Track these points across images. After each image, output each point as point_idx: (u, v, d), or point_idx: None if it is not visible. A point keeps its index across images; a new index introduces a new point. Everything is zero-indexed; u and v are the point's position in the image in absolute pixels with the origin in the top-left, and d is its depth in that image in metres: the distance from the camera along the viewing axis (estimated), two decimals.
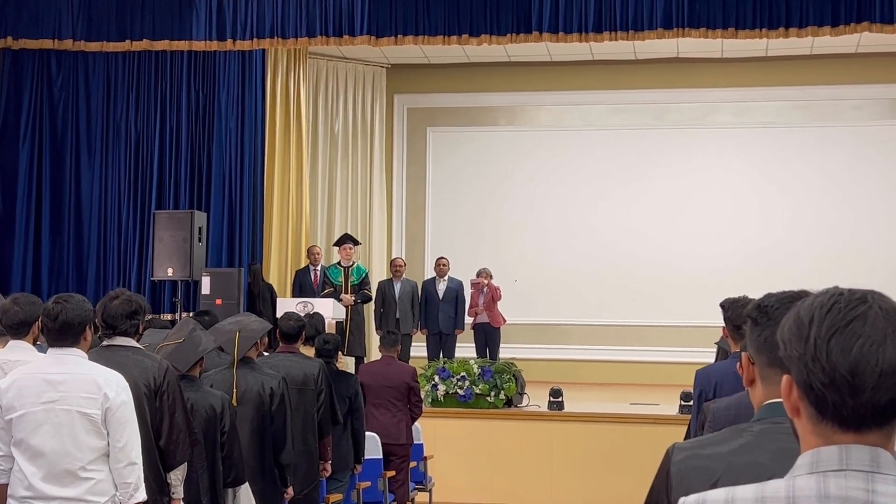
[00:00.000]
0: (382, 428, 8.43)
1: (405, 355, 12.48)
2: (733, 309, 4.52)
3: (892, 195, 14.58)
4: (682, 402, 10.49)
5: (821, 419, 1.44)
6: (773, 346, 1.66)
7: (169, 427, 4.68)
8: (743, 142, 14.92)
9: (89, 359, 4.37)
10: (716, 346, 7.29)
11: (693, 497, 1.54)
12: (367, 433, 7.93)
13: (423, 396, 10.17)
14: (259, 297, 12.69)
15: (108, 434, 4.24)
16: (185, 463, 4.79)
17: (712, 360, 7.09)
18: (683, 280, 14.67)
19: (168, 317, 12.49)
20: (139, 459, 4.30)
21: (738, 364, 2.25)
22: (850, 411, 1.41)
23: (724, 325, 4.79)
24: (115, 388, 4.25)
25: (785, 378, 1.48)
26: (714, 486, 1.94)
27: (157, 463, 4.66)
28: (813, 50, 13.91)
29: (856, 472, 1.41)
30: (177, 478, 4.78)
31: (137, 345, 4.85)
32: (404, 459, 8.63)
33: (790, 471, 1.47)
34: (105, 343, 4.75)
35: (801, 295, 1.64)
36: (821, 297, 1.47)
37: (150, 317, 9.80)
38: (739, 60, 14.51)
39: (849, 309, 1.43)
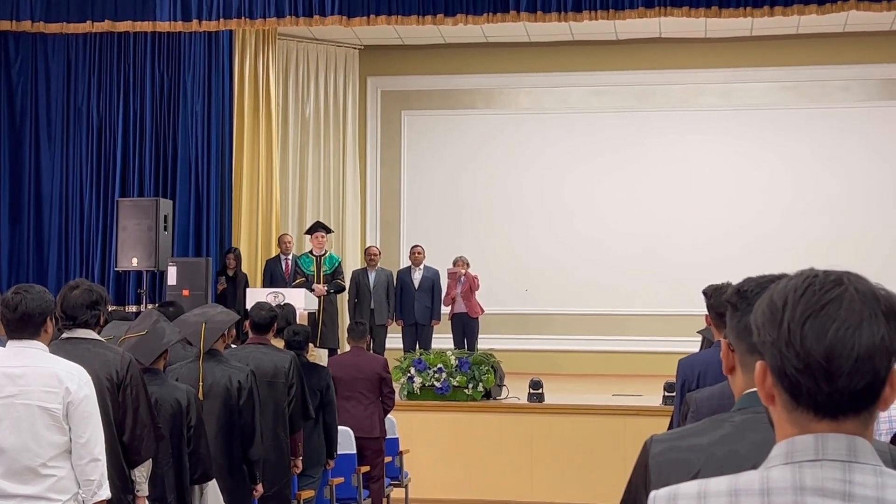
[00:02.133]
0: (355, 421, 8.33)
1: (380, 347, 12.54)
2: (716, 296, 4.43)
3: (881, 177, 14.53)
4: (666, 393, 10.43)
5: (795, 406, 1.42)
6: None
7: (132, 422, 4.62)
8: (729, 124, 14.85)
9: (50, 352, 4.32)
10: (699, 335, 7.08)
11: (665, 490, 1.52)
12: (339, 427, 7.84)
13: (398, 389, 10.30)
14: (239, 284, 12.40)
15: (69, 429, 4.18)
16: (150, 459, 4.77)
17: (696, 350, 6.95)
18: (666, 267, 14.61)
19: (133, 308, 12.36)
20: (103, 456, 4.24)
21: (721, 352, 2.19)
22: (825, 398, 1.39)
23: (706, 313, 4.70)
24: (76, 381, 4.18)
25: (759, 364, 1.46)
26: (694, 478, 1.81)
27: (120, 459, 4.60)
28: (799, 29, 13.86)
29: (832, 461, 1.39)
30: (141, 475, 4.74)
31: (99, 337, 4.79)
32: (378, 454, 8.54)
33: (765, 462, 1.45)
34: (65, 335, 4.70)
35: (781, 278, 1.54)
36: (795, 279, 1.44)
37: (111, 308, 9.50)
38: (724, 41, 14.44)
39: (823, 292, 1.40)
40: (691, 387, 4.76)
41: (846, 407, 1.40)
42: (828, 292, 1.40)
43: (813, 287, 1.41)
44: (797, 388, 1.41)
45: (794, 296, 1.42)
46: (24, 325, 4.19)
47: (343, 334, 13.22)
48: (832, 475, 1.39)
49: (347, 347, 13.00)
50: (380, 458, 8.52)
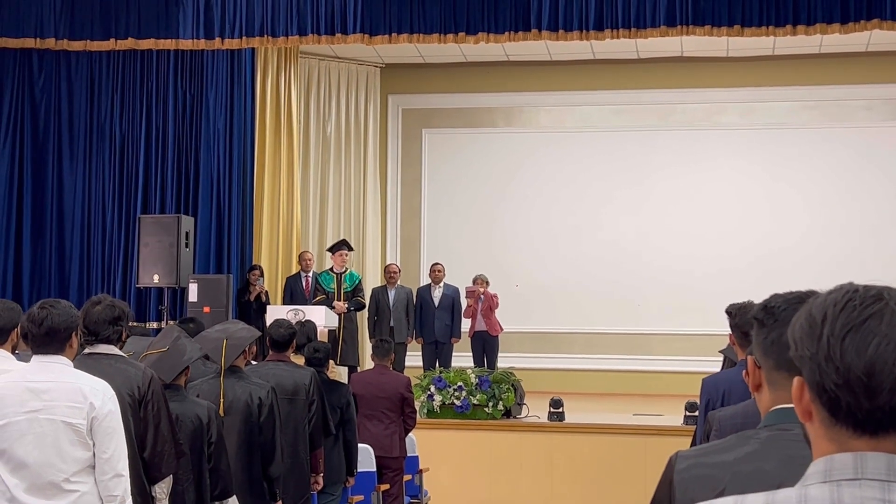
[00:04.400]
0: (374, 440, 8.31)
1: (400, 365, 12.45)
2: (740, 315, 4.45)
3: None
4: (687, 413, 10.44)
5: (834, 423, 1.39)
6: (781, 348, 1.64)
7: (154, 438, 4.61)
8: (750, 143, 14.79)
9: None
10: (721, 354, 7.03)
11: None
12: (360, 445, 7.82)
13: (418, 407, 10.16)
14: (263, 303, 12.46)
15: (93, 445, 4.16)
16: (171, 475, 4.74)
17: (717, 370, 6.87)
18: (688, 286, 14.55)
19: (154, 325, 12.33)
20: (126, 471, 4.22)
21: (745, 370, 2.19)
22: (865, 414, 1.36)
23: (730, 332, 4.70)
24: (101, 397, 4.17)
25: (796, 380, 1.43)
26: (719, 496, 1.85)
27: (141, 475, 4.57)
28: (821, 49, 13.82)
29: (871, 480, 1.35)
30: (162, 491, 4.71)
31: (120, 353, 4.78)
32: (398, 472, 8.51)
33: (802, 479, 1.41)
34: (87, 351, 4.66)
35: (809, 295, 1.55)
36: (834, 293, 1.41)
37: (132, 324, 9.53)
38: (746, 59, 14.39)
39: (864, 307, 1.37)
40: (715, 406, 4.71)
41: (886, 424, 1.36)
42: (868, 307, 1.37)
43: (853, 302, 1.38)
44: (836, 403, 1.37)
45: (833, 310, 1.38)
46: (49, 340, 4.17)
47: (363, 352, 13.30)
48: (871, 495, 1.35)
49: (367, 365, 13.06)
50: (399, 476, 8.48)
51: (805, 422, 1.45)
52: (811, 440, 1.45)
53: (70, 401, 4.14)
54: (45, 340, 4.18)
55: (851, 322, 1.36)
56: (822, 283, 1.48)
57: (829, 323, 1.38)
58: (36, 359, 4.22)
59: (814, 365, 1.39)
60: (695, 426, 6.36)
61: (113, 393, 4.24)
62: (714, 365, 8.51)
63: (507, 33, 12.38)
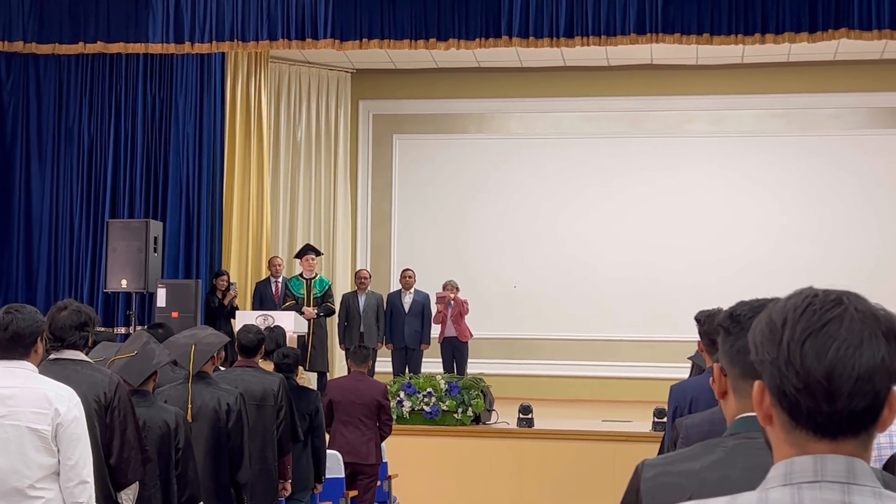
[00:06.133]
0: (350, 447, 8.30)
1: (370, 371, 12.23)
2: (708, 322, 4.49)
3: (871, 205, 14.53)
4: (656, 419, 10.45)
5: (794, 426, 1.41)
6: (746, 356, 1.58)
7: (120, 444, 4.59)
8: (720, 151, 14.85)
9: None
10: (689, 361, 7.05)
11: None
12: (329, 451, 7.83)
13: None
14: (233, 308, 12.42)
15: (58, 451, 4.14)
16: (137, 482, 4.74)
17: (686, 376, 6.88)
18: (657, 293, 14.58)
19: (122, 330, 12.26)
20: (91, 478, 4.20)
21: (712, 378, 2.20)
22: (825, 418, 1.38)
23: (699, 339, 4.72)
24: (66, 403, 4.15)
25: (757, 384, 1.45)
26: None
27: (107, 482, 4.56)
28: (790, 57, 13.87)
29: (831, 483, 1.38)
30: (128, 497, 4.70)
31: (87, 358, 4.77)
32: (373, 479, 8.50)
33: (763, 482, 1.43)
34: (53, 356, 4.64)
35: (774, 301, 1.54)
36: (794, 298, 1.43)
37: (100, 329, 9.45)
38: (715, 68, 14.42)
39: (824, 311, 1.39)
40: (683, 413, 4.73)
41: (846, 427, 1.39)
42: (828, 311, 1.39)
43: (813, 306, 1.40)
44: (796, 407, 1.39)
45: (794, 315, 1.40)
46: (14, 346, 4.16)
47: (333, 358, 13.26)
48: (831, 497, 1.37)
49: (337, 371, 13.06)
50: (373, 483, 8.46)
51: (766, 426, 1.46)
52: (772, 444, 1.46)
53: (35, 407, 4.11)
54: (9, 346, 4.16)
55: (811, 327, 1.38)
56: (791, 290, 1.48)
57: (790, 327, 1.40)
58: (0, 364, 4.20)
59: (774, 369, 1.40)
60: (663, 433, 6.37)
61: (78, 399, 4.22)
62: (682, 371, 8.52)
63: (477, 40, 12.41)
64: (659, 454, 5.37)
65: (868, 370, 1.36)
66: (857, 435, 1.40)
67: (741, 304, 2.14)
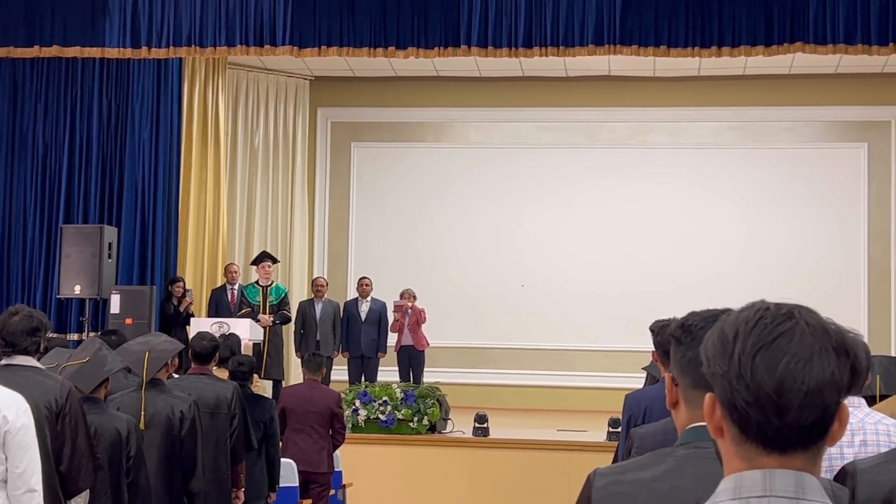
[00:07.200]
0: (303, 454, 8.26)
1: (325, 379, 12.20)
2: (662, 333, 4.44)
3: (825, 218, 14.65)
4: (611, 429, 10.46)
5: (744, 440, 1.41)
6: (697, 367, 1.59)
7: (70, 451, 4.53)
8: (676, 162, 14.93)
9: None
10: (644, 371, 7.07)
11: None
12: (283, 460, 7.76)
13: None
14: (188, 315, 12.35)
15: (6, 459, 4.09)
16: (88, 490, 4.68)
17: (641, 386, 6.89)
18: (612, 303, 14.62)
19: (74, 336, 12.12)
20: (39, 486, 4.16)
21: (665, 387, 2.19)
22: (774, 432, 1.38)
23: (653, 349, 4.63)
24: (14, 410, 4.10)
25: (708, 396, 1.45)
26: None
27: (57, 489, 4.49)
28: (746, 70, 14.00)
29: (780, 498, 1.38)
30: None
31: (38, 364, 4.73)
32: (325, 488, 8.45)
33: (712, 496, 1.43)
34: (3, 362, 4.62)
35: (726, 313, 1.53)
36: (746, 311, 1.43)
37: (52, 335, 9.34)
38: (672, 80, 14.51)
39: (775, 324, 1.40)
40: (637, 422, 4.76)
41: (795, 441, 1.39)
42: (779, 325, 1.39)
43: (764, 320, 1.40)
44: (746, 421, 1.40)
45: (745, 328, 1.40)
46: None
47: (289, 365, 13.20)
48: None
49: (293, 379, 13.00)
50: (325, 492, 8.42)
51: (716, 438, 1.46)
52: (722, 456, 1.46)
53: None
54: None
55: (762, 340, 1.39)
56: (745, 301, 1.48)
57: (741, 341, 1.40)
58: None
59: (725, 382, 1.40)
60: (618, 442, 6.39)
61: (27, 406, 4.17)
62: (637, 381, 8.55)
63: (436, 48, 12.41)
64: (613, 463, 5.42)
65: (818, 384, 1.37)
66: (807, 449, 1.40)
67: (693, 314, 2.14)
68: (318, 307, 12.85)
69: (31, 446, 4.14)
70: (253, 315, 12.21)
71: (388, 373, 12.75)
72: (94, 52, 12.77)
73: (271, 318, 12.42)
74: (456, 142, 15.37)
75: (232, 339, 8.31)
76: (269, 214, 14.69)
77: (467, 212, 15.14)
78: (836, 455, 3.69)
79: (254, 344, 11.63)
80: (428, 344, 12.88)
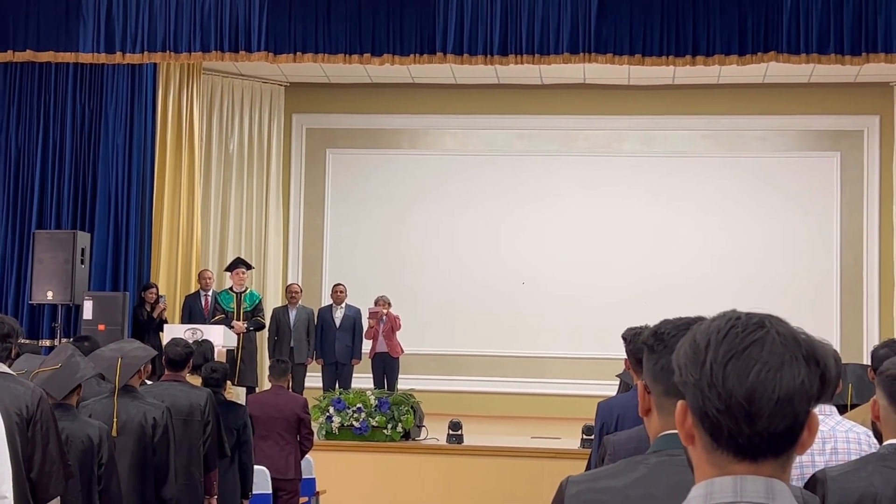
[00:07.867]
0: (270, 461, 8.21)
1: (299, 386, 12.35)
2: (635, 340, 4.49)
3: (797, 226, 14.72)
4: (584, 436, 10.47)
5: (716, 447, 1.42)
6: (670, 375, 1.60)
7: (41, 458, 4.50)
8: (650, 170, 14.97)
9: None
10: (618, 378, 7.09)
11: None
12: (256, 467, 7.74)
13: (316, 429, 10.15)
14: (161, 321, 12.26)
15: None
16: (59, 497, 4.66)
17: (615, 393, 6.92)
18: (587, 311, 14.63)
19: (47, 343, 12.06)
20: (10, 493, 4.14)
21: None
22: (745, 439, 1.40)
23: (626, 357, 4.70)
24: None
25: (680, 404, 1.46)
26: None
27: (27, 496, 4.46)
28: (720, 79, 14.04)
29: (750, 503, 1.39)
30: None
31: (9, 370, 4.68)
32: (293, 494, 8.42)
33: (683, 503, 1.44)
34: None
35: (698, 321, 1.56)
36: (718, 320, 1.45)
37: (24, 341, 9.28)
38: (646, 88, 14.54)
39: (746, 334, 1.41)
40: (610, 430, 4.77)
41: (765, 449, 1.41)
42: (750, 334, 1.41)
43: (735, 329, 1.42)
44: (718, 428, 1.41)
45: (716, 337, 1.42)
46: None
47: (262, 372, 13.12)
48: None
49: (267, 385, 12.92)
50: (294, 499, 8.40)
51: (688, 445, 1.48)
52: (693, 464, 1.48)
53: None
54: None
55: (734, 349, 1.40)
56: (719, 310, 1.50)
57: (713, 349, 1.41)
58: None
59: (697, 391, 1.42)
60: (591, 449, 6.41)
61: None
62: (611, 389, 8.59)
63: (412, 55, 12.39)
64: (586, 470, 5.44)
65: (788, 393, 1.38)
66: (777, 457, 1.42)
67: (665, 322, 2.16)
68: (293, 314, 12.83)
69: (2, 453, 4.11)
70: (227, 322, 12.18)
71: (362, 380, 12.71)
72: (67, 56, 12.66)
73: (245, 325, 12.38)
74: (431, 149, 15.36)
75: (205, 346, 8.35)
76: (244, 220, 14.63)
77: (442, 219, 15.13)
78: (808, 463, 3.71)
79: (227, 350, 11.60)
80: (402, 351, 12.87)
